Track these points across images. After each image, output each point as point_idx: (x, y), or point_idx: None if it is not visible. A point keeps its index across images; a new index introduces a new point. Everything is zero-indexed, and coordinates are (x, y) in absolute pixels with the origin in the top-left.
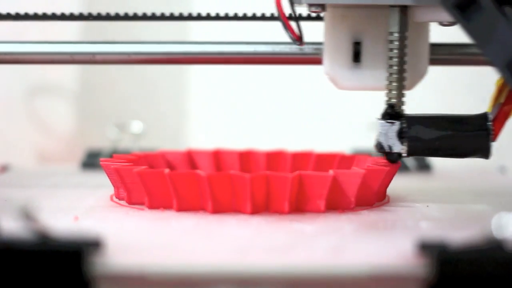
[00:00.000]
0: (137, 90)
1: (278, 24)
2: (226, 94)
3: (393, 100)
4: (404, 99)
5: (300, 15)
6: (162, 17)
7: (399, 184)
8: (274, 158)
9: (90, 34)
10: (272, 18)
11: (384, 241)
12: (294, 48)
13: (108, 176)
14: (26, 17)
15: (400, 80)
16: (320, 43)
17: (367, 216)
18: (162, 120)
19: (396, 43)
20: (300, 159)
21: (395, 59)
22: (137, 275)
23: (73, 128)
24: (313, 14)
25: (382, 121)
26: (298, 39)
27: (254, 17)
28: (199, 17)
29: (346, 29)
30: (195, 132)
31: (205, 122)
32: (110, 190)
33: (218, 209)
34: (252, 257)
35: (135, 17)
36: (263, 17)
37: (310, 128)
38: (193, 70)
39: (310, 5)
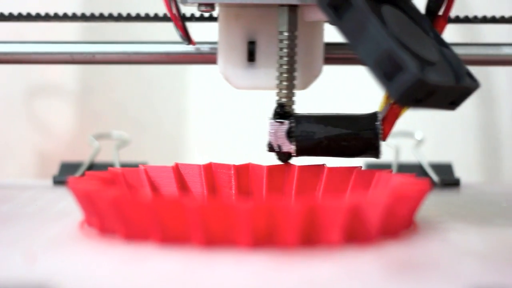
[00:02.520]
0: (137, 91)
1: None
2: (228, 99)
3: (283, 100)
4: (294, 98)
5: (189, 15)
6: (161, 18)
7: (426, 204)
8: (278, 174)
9: (90, 34)
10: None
11: None
12: (191, 47)
13: (78, 200)
14: (26, 17)
15: (290, 79)
16: (216, 43)
17: (393, 251)
18: (161, 120)
19: (286, 42)
20: (309, 175)
21: (285, 59)
22: None
23: (73, 129)
24: (206, 14)
25: (272, 121)
26: (187, 38)
27: None
28: (198, 18)
29: (240, 28)
30: (194, 134)
31: (205, 125)
32: (81, 214)
33: (210, 242)
34: None
35: (134, 17)
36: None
37: None
38: (194, 71)
39: (199, 5)
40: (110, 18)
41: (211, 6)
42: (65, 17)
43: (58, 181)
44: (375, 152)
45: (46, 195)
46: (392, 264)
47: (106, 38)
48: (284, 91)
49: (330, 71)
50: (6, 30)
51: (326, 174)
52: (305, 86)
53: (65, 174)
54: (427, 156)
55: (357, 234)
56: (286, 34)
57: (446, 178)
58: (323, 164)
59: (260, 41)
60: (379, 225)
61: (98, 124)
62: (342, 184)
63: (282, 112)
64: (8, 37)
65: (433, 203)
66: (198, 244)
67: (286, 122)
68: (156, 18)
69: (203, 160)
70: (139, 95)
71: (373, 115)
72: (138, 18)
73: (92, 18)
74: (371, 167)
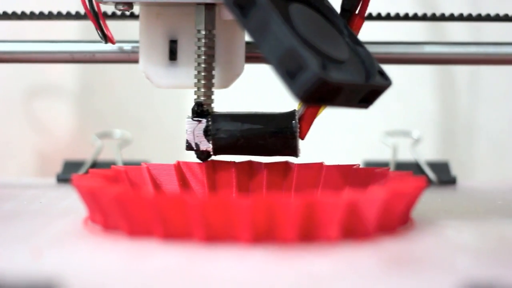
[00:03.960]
0: (137, 91)
1: None
2: (228, 98)
3: (202, 98)
4: (213, 97)
5: (107, 13)
6: None
7: (422, 201)
8: (277, 172)
9: (90, 33)
10: None
11: (415, 283)
12: (114, 46)
13: (82, 197)
14: (26, 16)
15: (208, 78)
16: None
17: (390, 247)
18: (162, 119)
19: (203, 41)
20: (308, 172)
21: (203, 57)
22: None
23: (73, 129)
24: (119, 12)
25: (189, 119)
26: (104, 37)
27: None
28: (120, 16)
29: (162, 27)
30: None
31: None
32: (85, 211)
33: (211, 237)
34: None
35: (134, 16)
36: None
37: (319, 136)
38: None
39: (117, 3)
40: (110, 16)
41: (129, 5)
42: (65, 16)
43: (62, 179)
44: (293, 151)
45: (50, 193)
46: (388, 259)
47: None
48: (203, 90)
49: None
50: (6, 29)
51: (325, 172)
52: (226, 84)
53: (68, 172)
54: (424, 155)
55: (355, 230)
56: (203, 32)
57: (443, 176)
58: (321, 162)
59: (181, 40)
60: (376, 221)
61: (98, 124)
62: (341, 182)
63: (200, 110)
64: (8, 36)
65: (430, 201)
66: (199, 239)
67: (204, 120)
68: None
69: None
70: (139, 95)
71: (291, 114)
72: (137, 16)
73: None
74: (370, 166)
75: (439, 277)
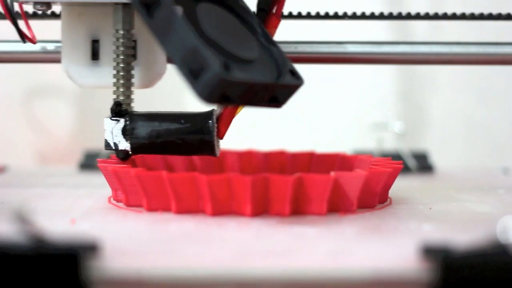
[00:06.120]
0: (136, 90)
1: None
2: None
3: (121, 98)
4: (133, 96)
5: (29, 12)
6: None
7: (401, 185)
8: (274, 159)
9: None
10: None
11: (386, 244)
12: (36, 46)
13: (106, 178)
14: (26, 16)
15: (127, 78)
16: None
17: (369, 218)
18: None
19: (121, 40)
20: (301, 159)
21: (121, 57)
22: (134, 280)
23: (72, 129)
24: (39, 12)
25: (108, 119)
26: (21, 36)
27: None
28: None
29: (84, 27)
30: None
31: None
32: (108, 191)
33: (218, 211)
34: (252, 261)
35: (57, 16)
36: None
37: (311, 128)
38: None
39: (35, 3)
40: (33, 16)
41: (48, 5)
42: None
43: (83, 165)
44: (211, 150)
45: (74, 177)
46: (365, 227)
47: None
48: (121, 89)
49: None
50: (6, 29)
51: (316, 158)
52: (149, 84)
53: (89, 160)
54: (410, 145)
55: (339, 206)
56: (121, 32)
57: (422, 164)
58: (312, 151)
59: (103, 39)
60: (358, 197)
61: (98, 124)
62: (329, 166)
63: (118, 110)
64: (8, 36)
65: (408, 185)
66: (208, 213)
67: (122, 120)
68: None
69: None
70: (139, 94)
71: (208, 114)
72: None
73: None
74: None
75: (405, 239)
